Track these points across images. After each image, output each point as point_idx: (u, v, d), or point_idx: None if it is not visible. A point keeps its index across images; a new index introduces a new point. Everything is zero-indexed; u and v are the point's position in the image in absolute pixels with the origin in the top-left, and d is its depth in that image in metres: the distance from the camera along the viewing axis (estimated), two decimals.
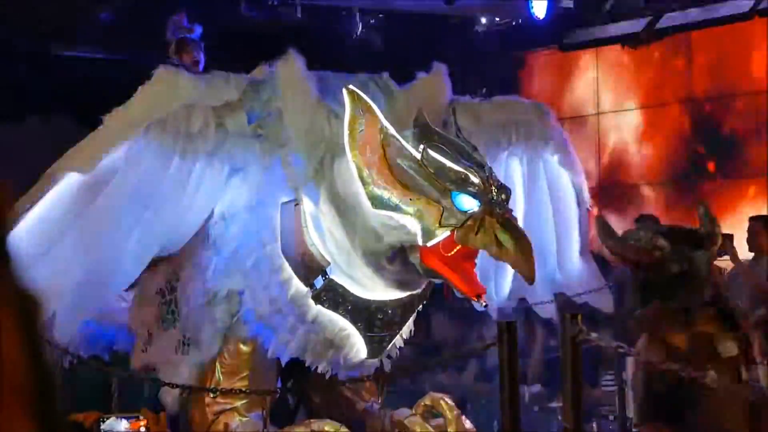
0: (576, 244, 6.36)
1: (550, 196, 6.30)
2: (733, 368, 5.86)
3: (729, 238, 8.56)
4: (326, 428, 5.54)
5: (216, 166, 5.46)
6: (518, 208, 5.84)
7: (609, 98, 11.66)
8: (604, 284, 6.53)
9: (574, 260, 6.39)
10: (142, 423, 5.72)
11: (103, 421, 5.67)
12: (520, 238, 4.89)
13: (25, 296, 1.51)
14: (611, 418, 8.25)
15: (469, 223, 4.94)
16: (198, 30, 7.60)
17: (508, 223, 4.91)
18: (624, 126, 11.50)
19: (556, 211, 6.33)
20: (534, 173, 6.22)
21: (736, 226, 8.76)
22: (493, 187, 4.98)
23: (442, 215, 4.98)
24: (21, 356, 1.45)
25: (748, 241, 8.49)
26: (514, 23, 10.10)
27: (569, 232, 6.34)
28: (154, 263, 6.02)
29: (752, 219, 8.69)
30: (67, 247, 5.22)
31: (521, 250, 4.85)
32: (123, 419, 5.69)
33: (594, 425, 8.21)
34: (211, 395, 5.65)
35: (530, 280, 4.93)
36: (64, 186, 5.18)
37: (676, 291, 5.95)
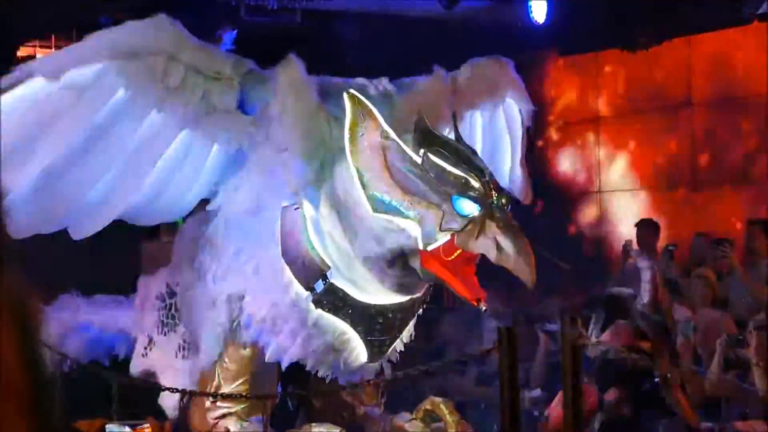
0: (518, 157, 6.74)
1: (506, 124, 6.65)
2: None
3: (729, 243, 8.57)
4: None
5: (200, 141, 5.42)
6: (478, 146, 6.20)
7: (609, 104, 11.67)
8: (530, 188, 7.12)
9: (517, 171, 6.76)
10: (147, 430, 5.71)
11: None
12: (520, 242, 4.89)
13: (24, 299, 1.51)
14: None
15: (469, 227, 4.95)
16: (225, 39, 7.65)
17: (508, 227, 4.92)
18: (625, 133, 11.50)
19: (510, 135, 6.68)
20: (495, 115, 6.55)
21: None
22: (494, 192, 4.99)
23: (442, 219, 4.99)
24: (18, 361, 1.45)
25: (746, 245, 8.50)
26: (513, 27, 10.11)
27: (516, 150, 6.72)
28: (153, 268, 6.03)
29: (750, 223, 8.69)
30: (23, 147, 5.12)
31: (522, 255, 4.85)
32: (127, 426, 5.68)
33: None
34: (212, 400, 5.65)
35: (531, 285, 4.94)
36: (28, 88, 5.12)
37: None
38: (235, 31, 7.76)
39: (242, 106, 5.48)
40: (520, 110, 6.64)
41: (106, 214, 5.44)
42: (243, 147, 5.46)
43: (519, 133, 6.71)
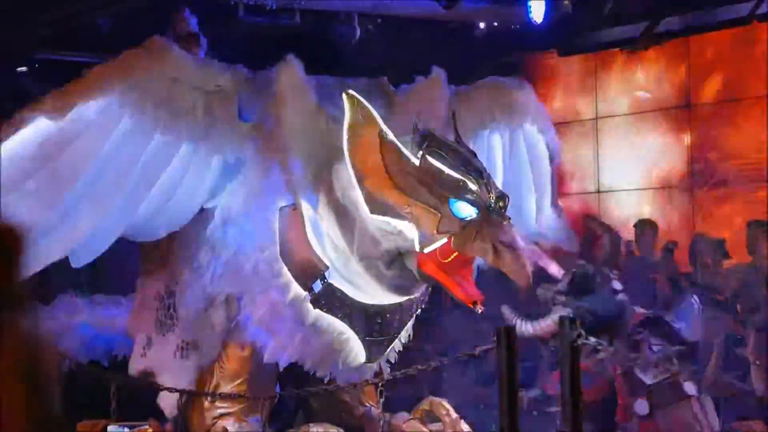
0: (548, 197, 6.68)
1: (528, 157, 6.55)
2: None
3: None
4: None
5: (202, 154, 5.42)
6: (498, 175, 6.13)
7: (607, 103, 11.67)
8: (572, 230, 7.00)
9: (547, 212, 6.69)
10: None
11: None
12: (517, 245, 4.90)
13: (33, 341, 1.50)
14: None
15: (466, 230, 4.95)
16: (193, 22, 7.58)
17: (505, 230, 4.92)
18: (621, 132, 11.50)
19: (534, 171, 6.60)
20: (514, 142, 6.48)
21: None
22: (491, 195, 4.99)
23: (439, 222, 5.00)
24: (21, 404, 1.43)
25: (748, 245, 8.49)
26: (512, 28, 10.10)
27: (544, 188, 6.64)
28: (152, 268, 6.03)
29: (751, 223, 8.68)
30: (31, 189, 5.11)
31: (518, 258, 4.86)
32: (127, 428, 5.68)
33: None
34: (210, 400, 5.66)
35: (526, 287, 4.96)
36: (33, 129, 5.10)
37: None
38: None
39: (240, 112, 5.49)
40: (547, 144, 6.56)
41: (106, 239, 5.45)
42: (243, 151, 5.47)
43: (546, 169, 6.62)
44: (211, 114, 5.34)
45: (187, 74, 5.30)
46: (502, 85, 6.37)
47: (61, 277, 6.56)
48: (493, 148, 6.32)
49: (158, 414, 5.85)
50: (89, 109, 5.14)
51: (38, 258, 5.06)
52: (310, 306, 5.45)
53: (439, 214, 5.01)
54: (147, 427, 5.70)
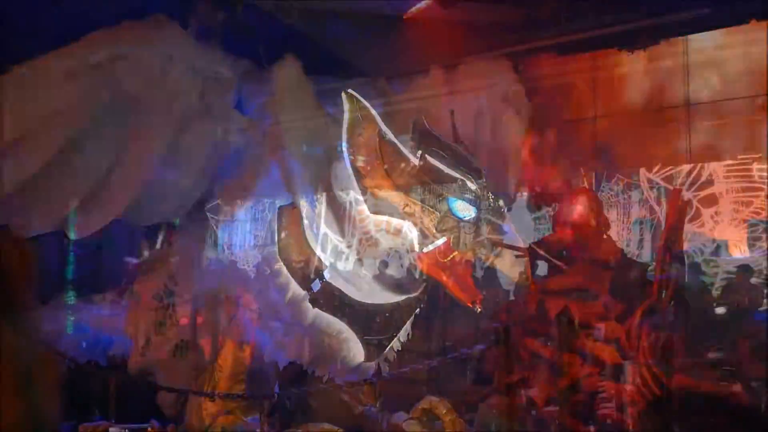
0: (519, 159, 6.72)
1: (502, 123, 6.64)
2: None
3: None
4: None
5: (196, 142, 5.42)
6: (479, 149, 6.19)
7: (606, 102, 11.65)
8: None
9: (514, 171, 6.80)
10: None
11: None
12: (515, 245, 4.91)
13: (33, 344, 1.49)
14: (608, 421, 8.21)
15: (465, 229, 4.96)
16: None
17: (504, 230, 4.94)
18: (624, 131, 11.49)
19: (504, 134, 6.63)
20: (493, 116, 6.53)
21: None
22: (490, 194, 5.01)
23: (438, 221, 5.01)
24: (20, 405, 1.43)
25: (748, 245, 8.49)
26: (510, 26, 10.09)
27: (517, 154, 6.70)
28: (151, 269, 6.03)
29: (751, 223, 8.67)
30: (22, 143, 5.13)
31: (516, 258, 4.87)
32: (128, 430, 5.68)
33: (592, 429, 8.18)
34: (209, 399, 5.66)
35: (525, 286, 4.98)
36: (29, 84, 5.09)
37: None
38: None
39: (239, 106, 5.49)
40: (518, 112, 6.68)
41: (103, 214, 5.44)
42: (240, 147, 5.48)
43: (517, 132, 6.77)
44: (206, 100, 5.33)
45: (184, 54, 5.29)
46: (486, 67, 6.46)
47: (59, 278, 6.57)
48: (476, 126, 6.41)
49: (158, 413, 5.85)
50: (78, 72, 5.11)
51: (33, 225, 5.06)
52: (309, 305, 5.45)
53: (438, 213, 5.02)
54: (149, 428, 5.70)
